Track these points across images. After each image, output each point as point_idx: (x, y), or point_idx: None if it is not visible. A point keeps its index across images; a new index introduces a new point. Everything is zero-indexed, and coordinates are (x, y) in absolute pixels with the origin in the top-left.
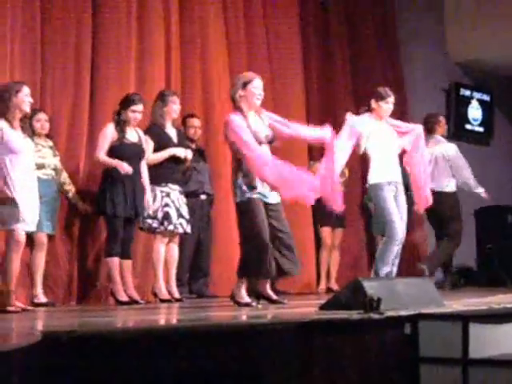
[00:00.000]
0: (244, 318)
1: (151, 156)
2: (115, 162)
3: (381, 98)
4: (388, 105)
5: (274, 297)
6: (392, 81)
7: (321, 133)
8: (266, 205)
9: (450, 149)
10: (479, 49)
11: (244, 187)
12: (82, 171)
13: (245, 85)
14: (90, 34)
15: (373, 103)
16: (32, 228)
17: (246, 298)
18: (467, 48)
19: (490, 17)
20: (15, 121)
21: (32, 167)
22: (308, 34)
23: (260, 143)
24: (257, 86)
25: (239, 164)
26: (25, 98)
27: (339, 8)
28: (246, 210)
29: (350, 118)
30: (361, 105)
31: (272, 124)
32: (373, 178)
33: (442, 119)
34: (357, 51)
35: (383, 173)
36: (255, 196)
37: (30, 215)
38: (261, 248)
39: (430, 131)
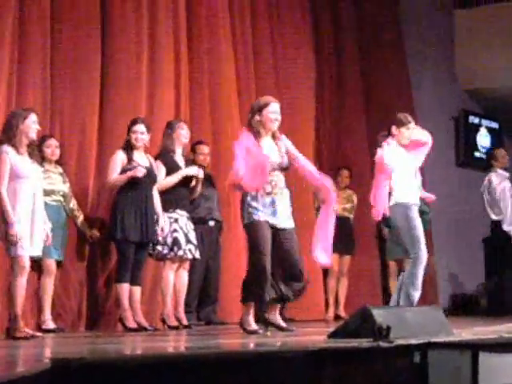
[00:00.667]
0: (253, 345)
1: (164, 181)
2: (127, 174)
3: (402, 124)
4: (409, 131)
5: (283, 324)
6: (402, 108)
7: (323, 182)
8: (278, 230)
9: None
10: (488, 77)
11: (250, 209)
12: (90, 196)
13: (260, 109)
14: (99, 60)
15: (394, 130)
16: (35, 253)
17: (254, 326)
18: (476, 76)
19: (500, 45)
20: (22, 147)
21: (39, 193)
22: (321, 61)
23: (272, 169)
24: (273, 110)
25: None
26: (32, 125)
27: (352, 37)
28: (250, 232)
29: (385, 155)
30: (372, 131)
31: (288, 151)
32: (398, 197)
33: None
34: (368, 80)
35: (408, 194)
36: (261, 219)
37: (34, 241)
38: (259, 272)
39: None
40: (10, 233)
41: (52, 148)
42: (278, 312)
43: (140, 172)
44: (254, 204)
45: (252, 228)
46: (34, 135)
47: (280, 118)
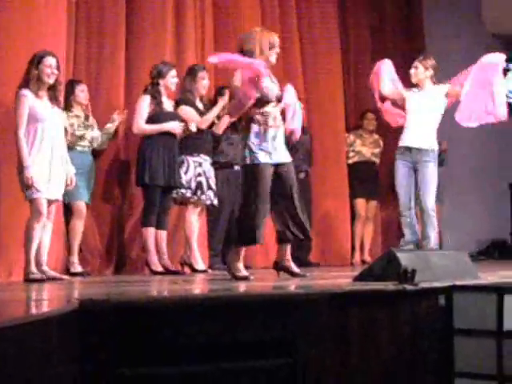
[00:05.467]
0: (276, 288)
1: (205, 117)
2: (163, 126)
3: (418, 62)
4: (411, 70)
5: (296, 269)
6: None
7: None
8: (278, 165)
9: None
10: None
11: (254, 148)
12: (118, 141)
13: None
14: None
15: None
16: (54, 196)
17: (243, 272)
18: (503, 19)
19: None
20: (40, 90)
21: (60, 136)
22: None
23: (269, 102)
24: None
25: (250, 121)
26: (46, 69)
27: None
28: (251, 175)
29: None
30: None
31: None
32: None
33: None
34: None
35: (404, 137)
36: (264, 161)
37: (53, 184)
38: (254, 215)
39: None
40: (26, 175)
41: (85, 92)
42: (288, 256)
43: (178, 130)
44: (257, 141)
45: (254, 171)
46: (48, 79)
47: (279, 50)
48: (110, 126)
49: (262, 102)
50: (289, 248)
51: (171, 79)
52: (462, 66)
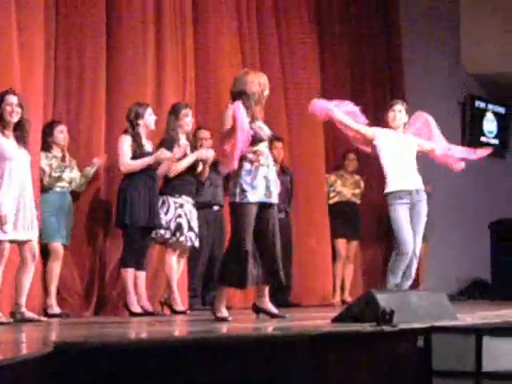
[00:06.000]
0: (255, 330)
1: (174, 166)
2: (149, 158)
3: (389, 107)
4: (394, 112)
5: (274, 310)
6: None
7: None
8: (265, 206)
9: None
10: (494, 61)
11: (245, 185)
12: (99, 181)
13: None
14: (105, 44)
15: (385, 116)
16: (20, 237)
17: (224, 313)
18: (482, 60)
19: (506, 29)
20: (6, 130)
21: (27, 177)
22: (324, 45)
23: (261, 140)
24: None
25: (242, 159)
26: (7, 108)
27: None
28: (238, 212)
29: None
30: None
31: None
32: (388, 186)
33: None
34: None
35: (396, 182)
36: (253, 200)
37: (21, 225)
38: (241, 256)
39: None
40: None
41: (64, 133)
42: (267, 297)
43: (165, 156)
44: (248, 179)
45: (242, 209)
46: (11, 118)
47: (268, 92)
48: (89, 170)
49: (255, 140)
50: (267, 289)
51: (149, 118)
52: (439, 106)
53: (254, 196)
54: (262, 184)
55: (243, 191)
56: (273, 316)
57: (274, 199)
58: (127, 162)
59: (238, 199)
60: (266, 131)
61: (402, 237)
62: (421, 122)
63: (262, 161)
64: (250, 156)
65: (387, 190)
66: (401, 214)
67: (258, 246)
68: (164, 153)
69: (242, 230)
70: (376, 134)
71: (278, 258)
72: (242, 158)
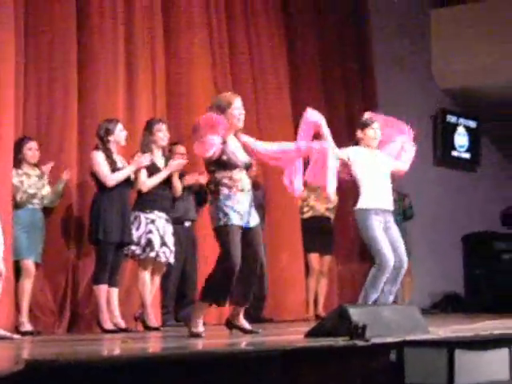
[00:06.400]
0: (227, 346)
1: (149, 180)
2: (131, 166)
3: (366, 125)
4: (374, 130)
5: (248, 326)
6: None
7: (310, 147)
8: (247, 229)
9: None
10: (465, 76)
11: (226, 209)
12: (71, 198)
13: (224, 109)
14: (75, 59)
15: (359, 133)
16: None
17: (200, 328)
18: (453, 75)
19: (476, 44)
20: None
21: None
22: (295, 60)
23: (236, 167)
24: (237, 106)
25: (219, 184)
26: None
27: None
28: (223, 236)
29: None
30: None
31: (250, 149)
32: (360, 203)
33: None
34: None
35: (372, 199)
36: (236, 223)
37: None
38: (228, 277)
39: None
40: None
41: (33, 150)
42: (241, 314)
43: (146, 162)
44: (229, 203)
45: (226, 232)
46: None
47: (244, 112)
48: (58, 186)
49: (230, 166)
50: (242, 310)
51: (120, 133)
52: (412, 120)
53: (237, 219)
54: (242, 206)
55: (225, 214)
56: (246, 332)
57: (254, 221)
58: (111, 176)
59: (222, 223)
60: (241, 157)
61: (382, 252)
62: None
63: (239, 187)
64: (226, 182)
65: (363, 205)
66: (375, 228)
67: (240, 269)
68: (143, 157)
69: (231, 249)
70: (350, 154)
71: (254, 285)
72: (219, 184)
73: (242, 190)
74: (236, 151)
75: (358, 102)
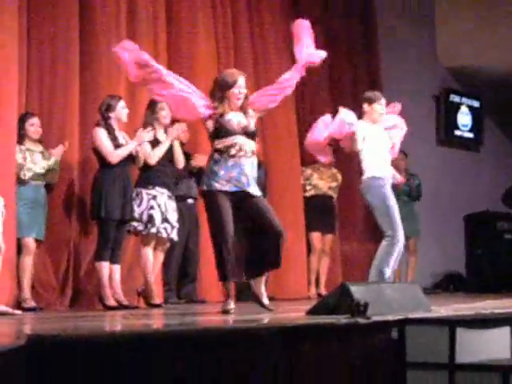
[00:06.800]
0: (228, 323)
1: (154, 152)
2: (133, 142)
3: (373, 100)
4: (381, 106)
5: (265, 301)
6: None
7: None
8: (245, 194)
9: None
10: (469, 55)
11: (210, 174)
12: (73, 174)
13: (230, 86)
14: (78, 38)
15: (366, 107)
16: None
17: (227, 306)
18: (457, 54)
19: (481, 23)
20: None
21: None
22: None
23: (232, 133)
24: (240, 85)
25: (213, 150)
26: None
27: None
28: (207, 201)
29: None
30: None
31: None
32: (373, 171)
33: None
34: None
35: (383, 168)
36: (219, 189)
37: None
38: (220, 248)
39: None
40: None
41: (35, 126)
42: (262, 285)
43: (146, 137)
44: (215, 168)
45: (209, 196)
46: None
47: (245, 91)
48: (54, 159)
49: (225, 133)
50: (262, 280)
51: (122, 110)
52: (415, 99)
53: (221, 185)
54: (231, 172)
55: (209, 179)
56: (262, 306)
57: (251, 189)
58: (115, 152)
59: (205, 187)
60: (238, 120)
61: (397, 223)
62: None
63: (232, 152)
64: (220, 147)
65: (376, 174)
66: (392, 199)
67: (257, 236)
68: (144, 132)
69: (215, 215)
70: (360, 127)
71: (269, 254)
72: (213, 149)
73: (240, 155)
74: (233, 119)
75: (363, 81)
